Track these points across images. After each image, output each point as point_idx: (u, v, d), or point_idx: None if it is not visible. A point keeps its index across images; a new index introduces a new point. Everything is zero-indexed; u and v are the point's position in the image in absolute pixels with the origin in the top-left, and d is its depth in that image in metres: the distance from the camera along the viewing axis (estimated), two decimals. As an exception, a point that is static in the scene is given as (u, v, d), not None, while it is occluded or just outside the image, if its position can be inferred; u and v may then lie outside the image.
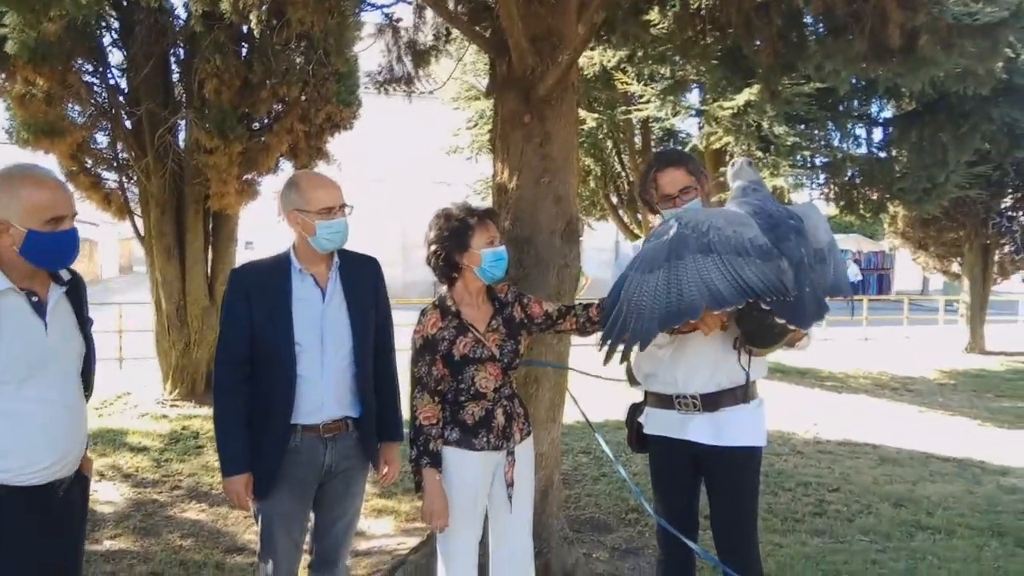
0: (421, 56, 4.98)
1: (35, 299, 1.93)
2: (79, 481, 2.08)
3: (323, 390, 2.33)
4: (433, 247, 2.43)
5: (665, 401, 2.56)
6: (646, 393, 2.67)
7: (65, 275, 2.03)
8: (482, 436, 2.42)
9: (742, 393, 2.48)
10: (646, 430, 2.65)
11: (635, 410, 2.73)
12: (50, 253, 1.92)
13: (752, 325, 2.27)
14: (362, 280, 2.44)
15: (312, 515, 2.48)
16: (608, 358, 2.16)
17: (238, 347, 2.32)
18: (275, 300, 2.31)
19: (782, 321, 2.13)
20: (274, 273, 2.36)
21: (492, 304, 2.50)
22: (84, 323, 2.08)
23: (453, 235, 2.39)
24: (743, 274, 2.05)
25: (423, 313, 2.46)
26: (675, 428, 2.53)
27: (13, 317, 1.86)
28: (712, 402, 2.47)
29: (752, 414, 2.50)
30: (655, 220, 2.70)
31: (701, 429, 2.48)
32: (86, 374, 2.09)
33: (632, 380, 2.65)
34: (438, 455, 2.40)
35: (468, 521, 2.44)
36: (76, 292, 2.06)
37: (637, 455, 3.39)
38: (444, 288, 2.50)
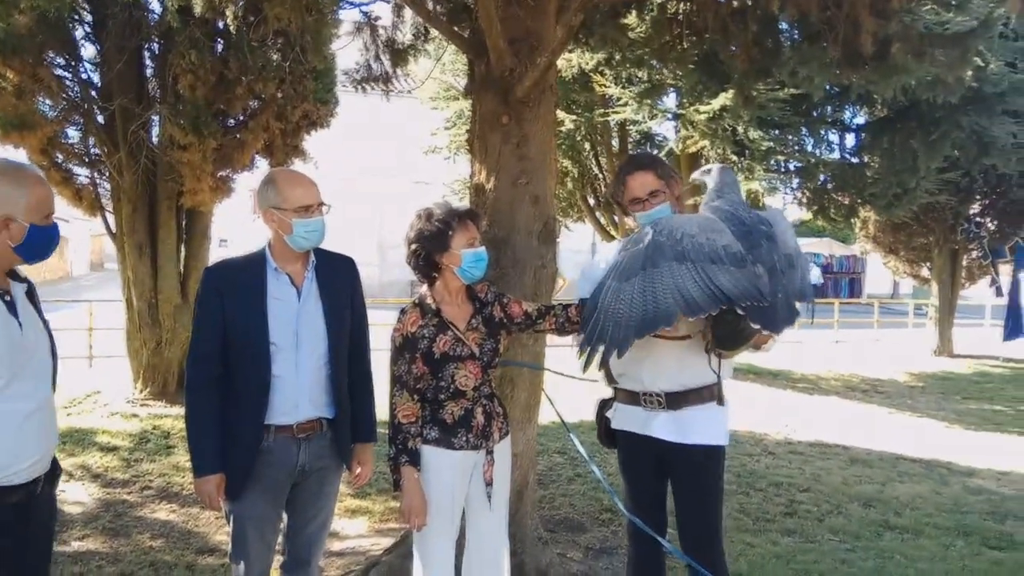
0: (399, 55, 4.97)
1: (8, 298, 1.92)
2: (49, 479, 2.06)
3: (298, 390, 2.31)
4: (413, 246, 2.43)
5: (632, 397, 2.62)
6: (615, 389, 2.72)
7: (22, 274, 2.03)
8: (461, 435, 2.43)
9: (708, 393, 2.54)
10: (613, 425, 2.71)
11: (604, 405, 2.78)
12: (43, 247, 1.95)
13: (724, 329, 2.31)
14: (338, 280, 2.43)
15: (285, 515, 2.46)
16: (587, 365, 2.19)
17: (211, 346, 2.29)
18: (250, 298, 2.29)
19: (756, 326, 2.17)
20: (249, 271, 2.34)
21: (472, 303, 2.51)
22: (46, 324, 2.07)
23: (434, 235, 2.39)
24: (717, 281, 2.10)
25: (403, 312, 2.46)
26: (640, 424, 2.59)
27: None
28: (676, 400, 2.52)
29: (714, 413, 2.55)
30: (630, 221, 2.74)
31: (664, 426, 2.53)
32: (52, 375, 2.07)
33: (610, 379, 2.68)
34: (417, 453, 2.39)
35: (445, 520, 2.44)
36: (32, 292, 2.06)
37: (612, 456, 3.43)
38: (424, 287, 2.50)
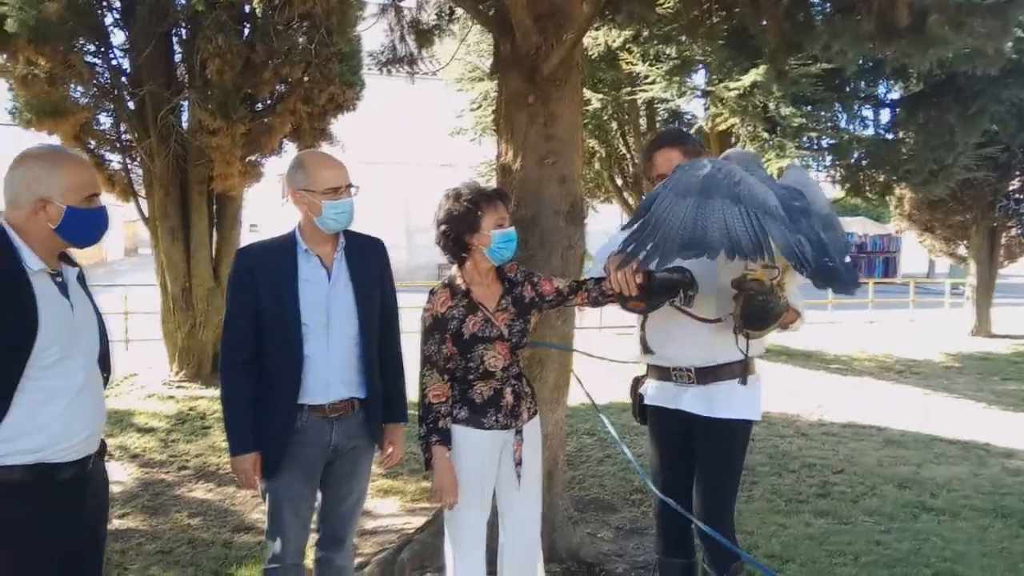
0: (424, 36, 4.95)
1: (59, 279, 1.96)
2: (99, 454, 2.11)
3: (329, 371, 2.33)
4: (443, 227, 2.42)
5: (663, 373, 2.66)
6: (648, 366, 2.75)
7: (73, 258, 2.07)
8: (490, 415, 2.44)
9: (739, 369, 2.56)
10: (646, 401, 2.75)
11: (637, 382, 2.83)
12: (86, 230, 1.97)
13: (753, 307, 2.31)
14: (368, 261, 2.44)
15: (319, 494, 2.49)
16: (627, 262, 2.20)
17: (244, 327, 2.32)
18: (281, 280, 2.31)
19: (826, 288, 2.17)
20: (280, 253, 2.36)
21: (502, 284, 2.51)
22: (96, 307, 2.11)
23: (463, 216, 2.38)
24: (770, 230, 2.07)
25: (432, 292, 2.47)
26: (670, 399, 2.64)
27: (47, 297, 1.91)
28: (705, 375, 2.56)
29: (744, 389, 2.57)
30: None
31: (694, 400, 2.58)
32: (104, 356, 2.12)
33: (646, 349, 2.67)
34: (447, 432, 2.41)
35: (475, 499, 2.46)
36: (82, 277, 2.09)
37: (641, 438, 3.43)
38: (454, 268, 2.50)
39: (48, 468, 1.90)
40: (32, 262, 1.89)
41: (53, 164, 1.92)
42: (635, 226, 2.20)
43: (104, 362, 2.11)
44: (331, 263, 2.38)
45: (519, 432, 2.50)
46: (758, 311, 2.30)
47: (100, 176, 7.48)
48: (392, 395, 2.52)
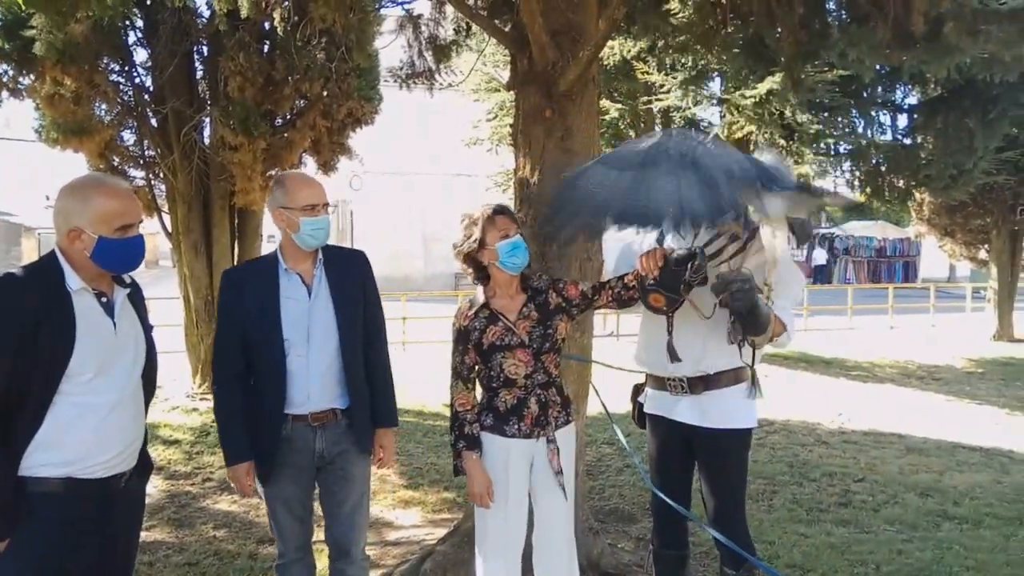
0: (441, 51, 5.01)
1: (104, 299, 2.04)
2: (139, 473, 2.18)
3: (310, 383, 2.44)
4: (456, 252, 2.57)
5: (659, 383, 2.72)
6: (646, 375, 2.83)
7: (126, 279, 2.14)
8: (513, 423, 2.51)
9: (731, 377, 2.59)
10: (645, 409, 2.82)
11: (637, 390, 2.91)
12: (118, 259, 2.04)
13: (742, 302, 2.28)
14: (348, 274, 2.55)
15: (321, 504, 2.60)
16: (546, 233, 2.26)
17: (232, 345, 2.46)
18: (264, 299, 2.44)
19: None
20: (263, 273, 2.49)
21: (525, 293, 2.59)
22: (146, 328, 2.19)
23: (468, 238, 2.52)
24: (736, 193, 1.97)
25: (460, 308, 2.62)
26: (667, 408, 2.70)
27: (87, 315, 1.98)
28: (697, 385, 2.60)
29: (738, 397, 2.60)
30: None
31: (688, 410, 2.63)
32: (149, 376, 2.20)
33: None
34: (474, 438, 2.51)
35: (501, 506, 2.52)
36: (137, 296, 2.18)
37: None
38: (479, 286, 2.61)
39: (76, 483, 1.96)
40: (73, 282, 1.97)
41: (85, 196, 1.99)
42: (558, 204, 2.17)
43: (149, 381, 2.18)
44: (311, 280, 2.49)
45: (551, 441, 2.54)
46: (746, 303, 2.26)
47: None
48: (380, 401, 2.60)
